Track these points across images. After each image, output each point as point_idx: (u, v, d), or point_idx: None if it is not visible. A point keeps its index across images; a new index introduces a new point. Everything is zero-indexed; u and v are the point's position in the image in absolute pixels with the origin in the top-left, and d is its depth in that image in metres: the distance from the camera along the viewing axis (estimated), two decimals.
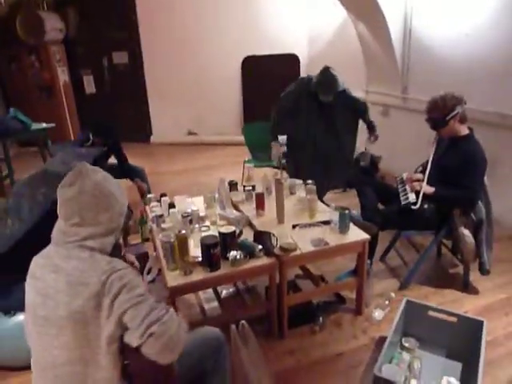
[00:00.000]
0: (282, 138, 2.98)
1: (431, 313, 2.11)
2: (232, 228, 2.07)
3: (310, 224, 2.35)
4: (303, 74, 6.31)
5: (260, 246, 2.06)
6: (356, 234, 2.27)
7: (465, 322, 2.04)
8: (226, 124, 6.85)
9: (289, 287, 2.28)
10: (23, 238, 2.04)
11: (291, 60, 6.61)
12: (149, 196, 2.80)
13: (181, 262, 1.94)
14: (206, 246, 1.92)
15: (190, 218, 2.34)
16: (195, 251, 2.05)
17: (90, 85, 6.80)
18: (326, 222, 2.34)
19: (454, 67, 3.81)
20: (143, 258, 2.54)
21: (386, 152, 4.75)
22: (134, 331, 1.12)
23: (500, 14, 3.28)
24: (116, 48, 6.58)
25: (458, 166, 2.41)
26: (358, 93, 5.31)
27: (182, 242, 1.95)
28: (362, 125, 3.50)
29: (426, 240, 2.92)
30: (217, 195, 2.66)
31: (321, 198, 2.88)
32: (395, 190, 2.69)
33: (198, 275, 1.93)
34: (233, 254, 1.98)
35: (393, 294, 2.53)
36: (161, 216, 2.43)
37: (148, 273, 2.29)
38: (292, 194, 2.83)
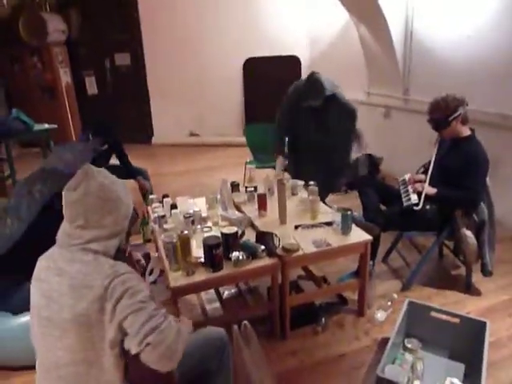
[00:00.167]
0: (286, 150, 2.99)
1: (434, 314, 2.11)
2: (234, 229, 2.07)
3: (313, 225, 2.36)
4: (304, 75, 6.31)
5: (262, 247, 2.06)
6: (358, 235, 2.26)
7: (467, 323, 2.04)
8: (228, 125, 6.86)
9: (291, 288, 2.28)
10: (23, 237, 2.04)
11: (292, 62, 6.62)
12: (151, 197, 2.80)
13: (183, 262, 1.94)
14: (209, 247, 1.92)
15: (192, 219, 2.34)
16: (197, 252, 2.05)
17: (92, 86, 6.82)
18: (329, 223, 2.35)
19: (456, 69, 3.81)
20: (145, 258, 2.54)
21: (387, 153, 4.77)
22: (132, 338, 1.12)
23: (501, 16, 3.29)
24: (118, 49, 6.61)
25: (460, 167, 2.41)
26: (359, 94, 5.36)
27: (185, 242, 1.96)
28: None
29: (427, 241, 2.92)
30: (219, 196, 2.67)
31: (323, 200, 2.88)
32: (397, 191, 2.69)
33: (201, 276, 1.93)
34: (235, 254, 1.98)
35: (395, 295, 2.53)
36: (163, 217, 2.43)
37: (150, 274, 2.29)
38: (294, 194, 2.83)
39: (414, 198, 2.51)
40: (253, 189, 2.77)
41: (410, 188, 2.60)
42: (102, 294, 1.12)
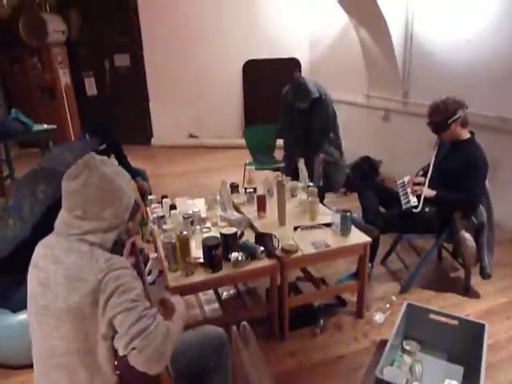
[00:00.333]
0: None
1: (432, 316, 2.11)
2: (233, 229, 2.07)
3: (312, 226, 2.36)
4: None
5: (261, 248, 2.06)
6: (357, 237, 2.27)
7: (466, 325, 2.04)
8: (227, 127, 6.86)
9: (290, 289, 2.28)
10: (26, 238, 2.03)
11: (292, 64, 6.63)
12: (150, 197, 2.79)
13: (182, 262, 1.94)
14: (208, 247, 1.92)
15: (192, 220, 2.34)
16: (196, 252, 2.04)
17: (91, 87, 6.82)
18: (328, 225, 2.35)
19: (455, 72, 3.82)
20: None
21: (386, 156, 4.78)
22: (119, 339, 1.10)
23: (501, 20, 3.30)
24: (118, 50, 6.61)
25: (460, 170, 2.42)
26: (358, 97, 5.37)
27: (184, 242, 1.95)
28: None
29: (426, 243, 2.92)
30: (218, 197, 2.66)
31: (321, 201, 2.90)
32: (396, 194, 2.69)
33: (200, 276, 1.93)
34: (234, 255, 1.98)
35: (394, 298, 2.53)
36: (162, 217, 2.42)
37: (148, 274, 2.28)
38: (293, 196, 2.83)
39: (413, 200, 2.51)
40: (252, 190, 2.78)
41: (409, 190, 2.60)
42: (96, 287, 1.11)
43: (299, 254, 2.10)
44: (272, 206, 2.53)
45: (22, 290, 1.94)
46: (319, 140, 3.39)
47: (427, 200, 2.50)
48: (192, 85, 6.62)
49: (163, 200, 2.63)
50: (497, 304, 2.53)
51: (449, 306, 2.48)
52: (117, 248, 1.30)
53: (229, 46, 6.47)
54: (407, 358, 2.00)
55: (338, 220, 2.27)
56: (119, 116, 6.43)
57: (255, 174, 3.14)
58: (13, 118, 4.56)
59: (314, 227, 2.35)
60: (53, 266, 1.17)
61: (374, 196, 2.75)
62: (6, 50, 6.17)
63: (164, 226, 2.34)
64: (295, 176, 3.21)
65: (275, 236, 2.15)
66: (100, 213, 1.20)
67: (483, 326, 1.97)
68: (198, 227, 2.37)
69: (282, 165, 3.73)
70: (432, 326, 2.11)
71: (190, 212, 2.37)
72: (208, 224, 2.43)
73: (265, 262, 2.04)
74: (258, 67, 6.57)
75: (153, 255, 2.65)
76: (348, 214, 2.24)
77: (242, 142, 4.85)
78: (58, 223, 1.25)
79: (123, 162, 3.75)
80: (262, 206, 2.52)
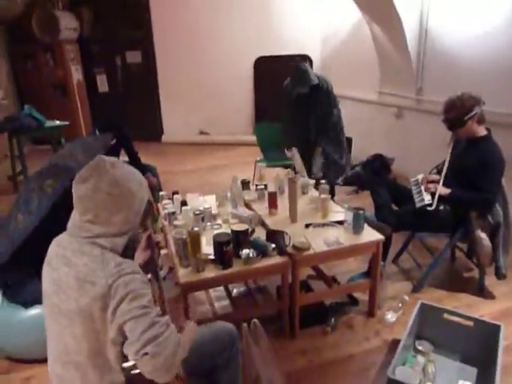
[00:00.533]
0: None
1: (446, 316, 2.07)
2: (245, 226, 2.06)
3: (324, 224, 2.33)
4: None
5: (273, 245, 2.04)
6: (370, 235, 2.24)
7: (481, 326, 2.00)
8: (238, 124, 6.85)
9: (301, 287, 2.26)
10: (34, 232, 2.04)
11: (304, 60, 6.57)
12: (161, 193, 2.80)
13: (193, 259, 1.93)
14: (219, 244, 1.91)
15: (202, 216, 2.33)
16: (207, 249, 2.03)
17: (103, 84, 6.85)
18: (340, 222, 2.32)
19: (470, 68, 3.75)
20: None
21: (399, 154, 4.71)
22: (130, 345, 1.09)
23: None
24: (129, 47, 6.64)
25: (476, 168, 2.36)
26: (370, 94, 5.31)
27: (195, 238, 1.94)
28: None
29: (439, 242, 2.87)
30: (229, 194, 2.65)
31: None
32: (409, 192, 2.64)
33: (210, 272, 1.92)
34: (245, 252, 1.96)
35: (406, 297, 2.49)
36: (173, 213, 2.42)
37: (160, 270, 2.28)
38: (304, 193, 2.81)
39: (427, 198, 2.47)
40: (263, 187, 2.76)
41: (423, 188, 2.56)
42: (106, 292, 1.10)
43: (311, 251, 2.07)
44: (283, 203, 2.51)
45: (33, 284, 1.97)
46: (318, 130, 3.41)
47: (441, 198, 2.45)
48: (203, 81, 6.61)
49: (174, 196, 2.63)
50: None
51: (462, 307, 2.44)
52: (128, 252, 1.28)
53: (240, 42, 6.45)
54: (420, 358, 1.97)
55: (351, 218, 2.24)
56: (130, 112, 6.44)
57: (266, 171, 3.12)
58: (26, 114, 4.61)
59: (326, 225, 2.33)
60: (65, 267, 1.17)
61: (387, 193, 2.71)
62: (19, 46, 6.23)
63: (175, 222, 2.33)
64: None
65: (286, 233, 2.13)
66: (110, 218, 1.19)
67: (499, 326, 1.92)
68: (209, 224, 2.36)
69: (293, 162, 3.71)
70: (446, 326, 2.07)
71: (201, 208, 2.37)
72: (219, 221, 2.42)
73: (276, 260, 2.03)
74: (270, 64, 6.53)
75: (163, 251, 2.66)
76: (361, 211, 2.21)
77: (253, 138, 4.84)
78: (70, 224, 1.24)
79: (133, 158, 3.76)
80: (273, 202, 2.50)
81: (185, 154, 6.24)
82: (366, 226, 2.28)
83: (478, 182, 2.35)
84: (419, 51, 4.34)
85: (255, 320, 1.82)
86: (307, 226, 2.32)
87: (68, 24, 6.06)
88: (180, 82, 6.62)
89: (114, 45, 6.62)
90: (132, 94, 6.81)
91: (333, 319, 2.33)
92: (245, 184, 2.84)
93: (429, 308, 2.12)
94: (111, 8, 6.41)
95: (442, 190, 2.47)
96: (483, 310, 2.43)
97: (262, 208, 2.57)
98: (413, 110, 4.67)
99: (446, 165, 2.55)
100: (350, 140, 5.07)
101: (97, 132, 3.38)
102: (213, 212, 2.43)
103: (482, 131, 2.45)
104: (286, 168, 3.62)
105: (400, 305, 2.43)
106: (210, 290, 2.59)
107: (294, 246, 2.08)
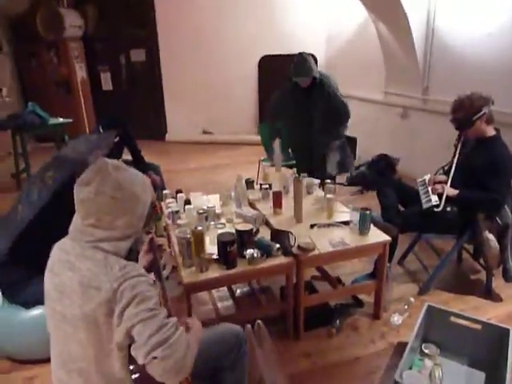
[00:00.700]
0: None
1: (453, 319, 2.04)
2: (249, 225, 2.03)
3: (329, 224, 2.30)
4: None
5: (277, 245, 2.01)
6: (377, 235, 2.20)
7: (490, 329, 1.96)
8: (242, 123, 6.82)
9: (305, 288, 2.23)
10: (29, 224, 2.02)
11: None
12: (164, 192, 2.77)
13: (197, 258, 1.90)
14: (223, 243, 1.88)
15: (206, 215, 2.30)
16: (211, 248, 2.01)
17: (107, 82, 6.84)
18: (346, 223, 2.29)
19: (477, 67, 3.71)
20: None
21: (404, 154, 4.68)
22: (139, 348, 1.06)
23: None
24: (134, 45, 6.62)
25: (484, 168, 2.32)
26: (375, 94, 5.28)
27: (199, 238, 1.91)
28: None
29: (445, 244, 2.83)
30: (233, 193, 2.62)
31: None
32: (415, 192, 2.61)
33: (214, 272, 1.89)
34: (250, 252, 1.93)
35: (412, 299, 2.46)
36: (177, 212, 2.39)
37: (163, 269, 2.26)
38: (309, 193, 2.78)
39: (434, 199, 2.43)
40: (267, 186, 2.73)
41: (429, 189, 2.52)
42: (111, 297, 1.07)
43: (316, 252, 2.04)
44: (288, 202, 2.48)
45: (33, 285, 1.95)
46: (321, 125, 3.34)
47: (449, 199, 2.41)
48: (207, 80, 6.59)
49: (178, 195, 2.60)
50: None
51: (469, 309, 2.40)
52: (132, 255, 1.26)
53: (245, 41, 6.42)
54: (428, 362, 1.93)
55: (357, 218, 2.20)
56: (134, 111, 6.43)
57: (270, 170, 3.09)
58: (30, 111, 4.60)
59: (332, 225, 2.29)
60: (69, 272, 1.14)
61: (394, 194, 2.67)
62: (24, 44, 6.22)
63: (178, 221, 2.31)
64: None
65: (291, 233, 2.10)
66: (113, 222, 1.16)
67: (508, 330, 1.89)
68: (213, 223, 2.33)
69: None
70: (453, 329, 2.03)
71: (205, 207, 2.34)
72: (222, 220, 2.39)
73: (281, 260, 2.00)
74: (274, 63, 6.49)
75: (167, 250, 2.64)
76: (367, 212, 2.18)
77: (257, 138, 4.80)
78: (72, 229, 1.21)
79: (136, 157, 3.74)
80: (277, 202, 2.47)
81: (188, 153, 6.22)
82: (372, 226, 2.25)
83: (487, 182, 2.31)
84: (426, 51, 4.29)
85: (259, 321, 1.79)
86: (312, 226, 2.29)
87: (72, 22, 6.05)
88: (184, 80, 6.60)
89: (118, 43, 6.60)
90: (136, 93, 6.79)
91: (338, 321, 2.29)
92: (249, 183, 2.81)
93: (435, 311, 2.08)
94: (116, 6, 6.39)
95: (450, 190, 2.43)
96: (490, 313, 2.39)
97: (266, 208, 2.54)
98: (419, 109, 4.63)
99: (454, 165, 2.51)
100: (354, 140, 5.05)
101: (100, 129, 3.36)
102: (216, 211, 2.40)
103: (490, 131, 2.41)
104: (291, 168, 3.59)
105: (406, 307, 2.40)
106: (213, 290, 2.56)
107: (298, 247, 2.05)
